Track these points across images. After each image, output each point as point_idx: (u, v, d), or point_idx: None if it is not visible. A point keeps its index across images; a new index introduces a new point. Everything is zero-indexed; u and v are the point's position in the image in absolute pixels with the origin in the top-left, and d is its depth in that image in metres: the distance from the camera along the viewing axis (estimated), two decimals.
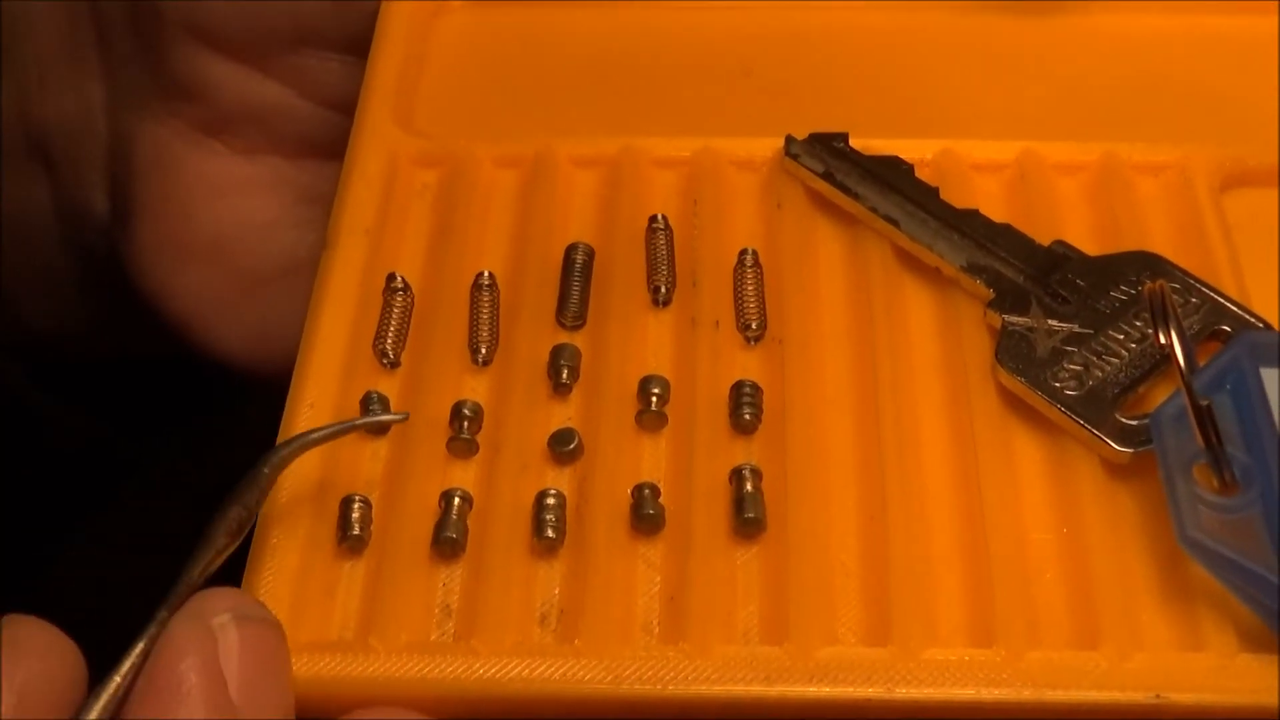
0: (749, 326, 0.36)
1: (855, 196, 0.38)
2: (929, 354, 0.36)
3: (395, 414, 0.34)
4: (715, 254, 0.37)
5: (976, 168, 0.39)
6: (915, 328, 0.36)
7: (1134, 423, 0.33)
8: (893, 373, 0.35)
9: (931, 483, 0.33)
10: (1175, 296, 0.34)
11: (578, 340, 0.36)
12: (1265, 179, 0.39)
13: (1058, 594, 0.32)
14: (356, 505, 0.33)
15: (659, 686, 0.30)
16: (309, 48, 0.44)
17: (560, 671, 0.31)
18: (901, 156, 0.38)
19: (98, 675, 0.29)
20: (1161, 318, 0.32)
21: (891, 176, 0.38)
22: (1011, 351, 0.35)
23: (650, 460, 0.34)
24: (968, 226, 0.37)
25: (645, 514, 0.33)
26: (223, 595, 0.30)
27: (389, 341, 0.36)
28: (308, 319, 0.36)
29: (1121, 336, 0.35)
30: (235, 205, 0.46)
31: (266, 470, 0.32)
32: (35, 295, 0.51)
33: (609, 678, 0.30)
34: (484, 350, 0.36)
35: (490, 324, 0.36)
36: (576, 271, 0.37)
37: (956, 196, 0.38)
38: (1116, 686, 0.30)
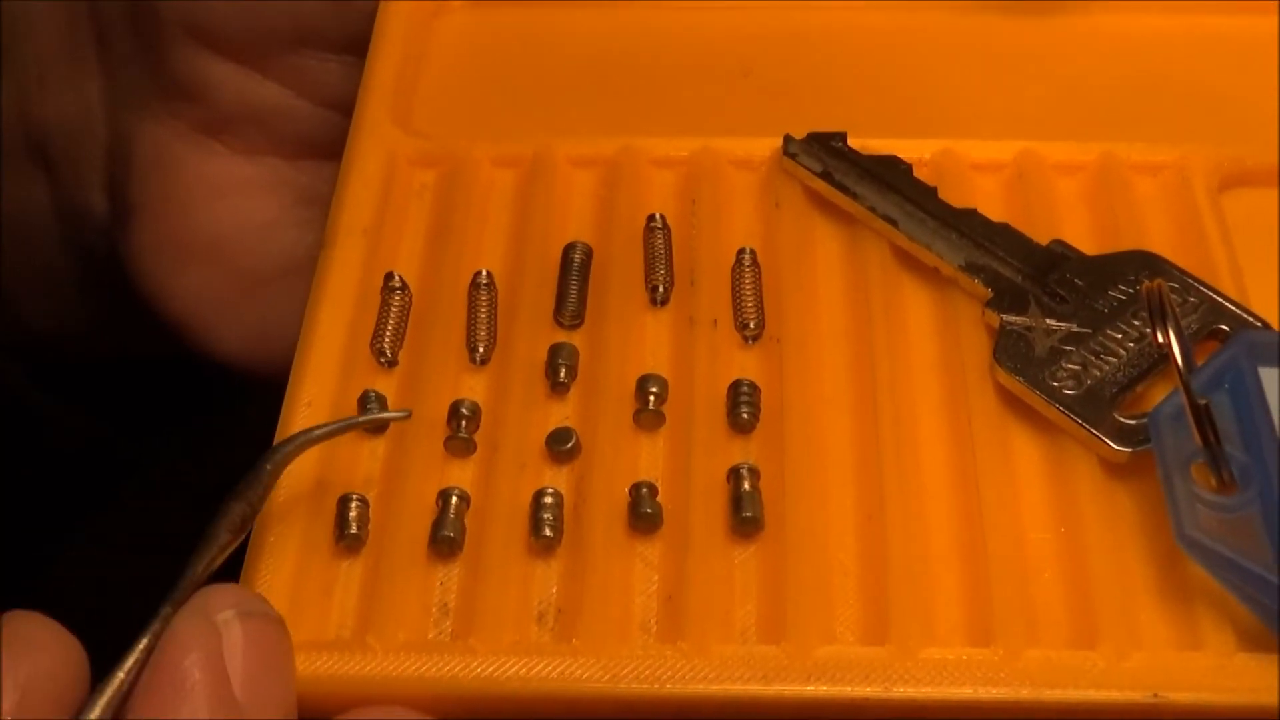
0: (747, 326, 0.36)
1: (853, 196, 0.38)
2: (927, 353, 0.36)
3: (398, 411, 0.34)
4: (713, 253, 0.37)
5: (975, 167, 0.39)
6: (913, 327, 0.36)
7: (1132, 422, 0.33)
8: (891, 372, 0.35)
9: (929, 482, 0.33)
10: (1173, 296, 0.34)
11: (576, 339, 0.36)
12: (1264, 179, 0.39)
13: (1056, 593, 0.32)
14: (354, 504, 0.33)
15: (656, 685, 0.30)
16: (308, 48, 0.44)
17: (558, 670, 0.31)
18: (900, 156, 0.38)
19: (98, 675, 0.29)
20: (1160, 317, 0.32)
21: (890, 176, 0.38)
22: (1010, 351, 0.35)
23: (648, 459, 0.34)
24: (966, 226, 0.37)
25: (643, 513, 0.33)
26: (227, 591, 0.30)
27: (387, 341, 0.36)
28: (305, 318, 0.36)
29: (1120, 336, 0.35)
30: (235, 205, 0.46)
31: (269, 466, 0.32)
32: (35, 295, 0.51)
33: (606, 677, 0.30)
34: (482, 349, 0.36)
35: (488, 323, 0.36)
36: (574, 271, 0.37)
37: (955, 196, 0.38)
38: (1114, 686, 0.30)
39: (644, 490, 0.33)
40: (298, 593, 0.32)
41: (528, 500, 0.33)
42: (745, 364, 0.36)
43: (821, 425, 0.34)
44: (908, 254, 0.37)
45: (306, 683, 0.30)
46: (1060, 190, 0.39)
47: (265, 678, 0.29)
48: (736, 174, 0.39)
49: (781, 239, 0.38)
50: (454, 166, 0.39)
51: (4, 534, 0.52)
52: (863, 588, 0.32)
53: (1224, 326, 0.35)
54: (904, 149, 0.39)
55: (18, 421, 0.55)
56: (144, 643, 0.29)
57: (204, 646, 0.29)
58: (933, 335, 0.36)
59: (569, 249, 0.38)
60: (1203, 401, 0.32)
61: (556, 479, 0.34)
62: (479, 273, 0.37)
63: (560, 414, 0.35)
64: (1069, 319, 0.35)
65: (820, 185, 0.38)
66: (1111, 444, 0.33)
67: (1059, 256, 0.36)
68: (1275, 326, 0.35)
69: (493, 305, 0.37)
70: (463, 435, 0.34)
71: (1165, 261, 0.36)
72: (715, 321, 0.36)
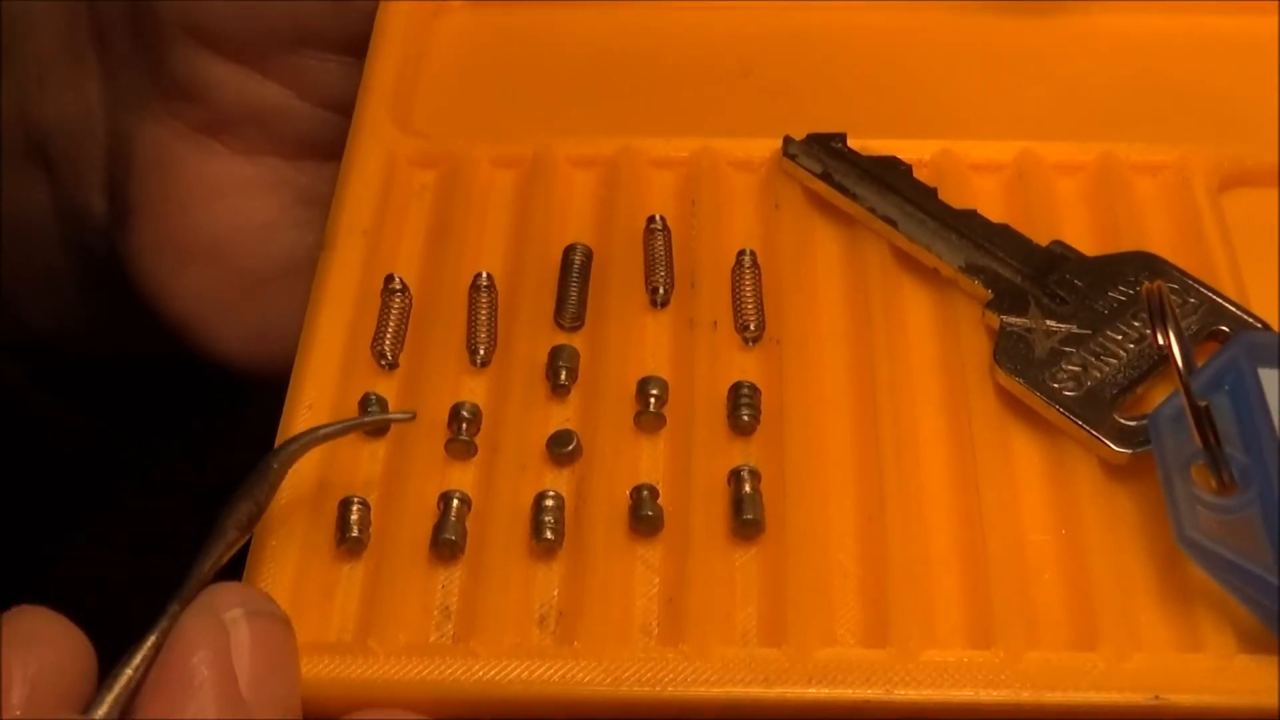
0: (747, 327, 0.36)
1: (853, 197, 0.38)
2: (927, 354, 0.36)
3: (402, 413, 0.34)
4: (713, 254, 0.37)
5: (975, 168, 0.39)
6: (913, 328, 0.36)
7: (1132, 423, 0.33)
8: (891, 373, 0.35)
9: (930, 483, 0.33)
10: (1173, 297, 0.34)
11: (576, 341, 0.36)
12: (1264, 179, 0.39)
13: (1056, 595, 0.32)
14: (355, 507, 0.33)
15: (658, 688, 0.30)
16: (308, 48, 0.44)
17: (559, 673, 0.31)
18: (900, 157, 0.38)
19: (100, 674, 0.29)
20: (1160, 318, 0.32)
21: (889, 177, 0.38)
22: (1010, 352, 0.35)
23: (649, 461, 0.34)
24: (966, 227, 0.37)
25: (644, 515, 0.33)
26: (234, 590, 0.30)
27: (387, 343, 0.36)
28: (306, 320, 0.36)
29: (1120, 337, 0.35)
30: (235, 205, 0.46)
31: (276, 465, 0.32)
32: (35, 295, 0.51)
33: (608, 679, 0.30)
34: (482, 351, 0.36)
35: (488, 325, 0.36)
36: (575, 272, 0.37)
37: (955, 197, 0.38)
38: (1115, 687, 0.30)
39: (645, 492, 0.33)
40: (299, 596, 0.32)
41: (529, 503, 0.33)
42: (745, 366, 0.36)
43: (822, 427, 0.34)
44: (908, 255, 0.37)
45: (308, 685, 0.30)
46: (1060, 190, 0.39)
47: (271, 677, 0.29)
48: (736, 175, 0.39)
49: (781, 240, 0.38)
50: (454, 167, 0.39)
51: (4, 534, 0.52)
52: (863, 590, 0.32)
53: (1224, 327, 0.35)
54: (904, 150, 0.39)
55: (18, 421, 0.55)
56: (152, 640, 0.29)
57: (212, 645, 0.29)
58: (933, 337, 0.36)
59: (569, 250, 0.38)
60: (1203, 403, 0.32)
61: (557, 481, 0.34)
62: (479, 274, 0.37)
63: (561, 416, 0.35)
64: (1069, 320, 0.35)
65: (820, 186, 0.38)
66: (1112, 445, 0.33)
67: (1059, 257, 0.36)
68: (1275, 327, 0.35)
69: (493, 307, 0.37)
70: (463, 438, 0.34)
71: (1165, 262, 0.36)
72: (715, 323, 0.36)
